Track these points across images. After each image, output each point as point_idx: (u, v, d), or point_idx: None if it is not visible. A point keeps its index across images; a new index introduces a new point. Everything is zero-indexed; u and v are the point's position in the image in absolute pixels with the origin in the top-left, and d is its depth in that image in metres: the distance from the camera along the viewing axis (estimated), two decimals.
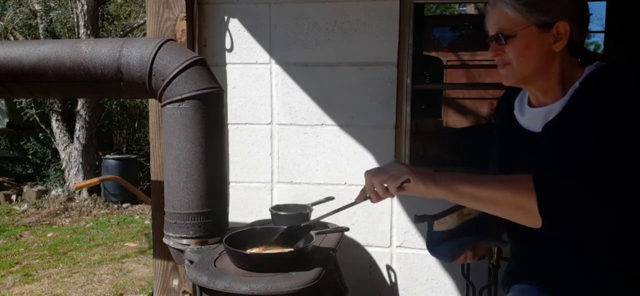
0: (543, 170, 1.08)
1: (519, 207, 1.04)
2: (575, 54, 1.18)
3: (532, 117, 1.23)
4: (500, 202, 1.06)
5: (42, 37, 7.02)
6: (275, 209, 1.95)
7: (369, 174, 1.14)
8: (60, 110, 6.91)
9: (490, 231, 1.33)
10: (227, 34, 2.24)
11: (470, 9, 9.64)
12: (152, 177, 2.26)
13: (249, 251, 1.55)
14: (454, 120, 7.10)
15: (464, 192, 1.07)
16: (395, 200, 2.20)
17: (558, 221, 1.04)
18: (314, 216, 1.94)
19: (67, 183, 6.73)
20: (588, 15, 1.19)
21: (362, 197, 1.19)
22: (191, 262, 1.67)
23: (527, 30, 1.14)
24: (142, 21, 7.42)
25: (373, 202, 1.16)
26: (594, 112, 1.05)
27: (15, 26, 7.10)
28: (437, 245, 1.35)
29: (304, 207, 1.99)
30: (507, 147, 1.31)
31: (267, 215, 2.01)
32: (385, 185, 1.10)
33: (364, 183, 1.17)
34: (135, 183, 6.58)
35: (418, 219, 1.35)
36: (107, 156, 7.09)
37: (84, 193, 6.54)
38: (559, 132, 1.13)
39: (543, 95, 1.20)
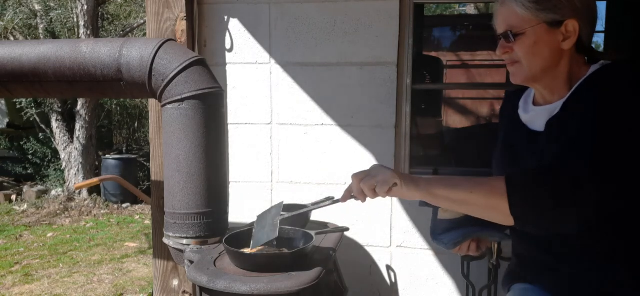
0: (517, 171, 1.12)
1: (492, 208, 1.08)
2: (583, 52, 1.18)
3: (536, 115, 1.23)
4: (473, 203, 1.09)
5: (42, 37, 7.02)
6: None
7: (357, 178, 1.17)
8: (60, 110, 6.91)
9: (495, 224, 1.33)
10: (227, 34, 2.24)
11: (470, 9, 9.64)
12: (152, 177, 2.26)
13: (248, 251, 1.55)
14: (454, 120, 7.10)
15: (440, 194, 1.12)
16: (395, 200, 2.20)
17: (528, 221, 1.07)
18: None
19: (67, 183, 6.72)
20: (596, 14, 1.18)
21: (348, 196, 1.22)
22: (191, 262, 1.67)
23: (536, 28, 1.13)
24: (142, 21, 7.41)
25: (362, 201, 1.20)
26: (591, 112, 1.05)
27: (15, 26, 7.09)
28: (441, 233, 1.36)
29: (304, 207, 1.98)
30: (510, 146, 1.31)
31: None
32: (375, 189, 1.14)
33: None
34: (135, 183, 6.58)
35: (423, 203, 1.35)
36: (107, 156, 7.09)
37: (84, 193, 6.54)
38: (558, 129, 1.13)
39: (550, 94, 1.20)
